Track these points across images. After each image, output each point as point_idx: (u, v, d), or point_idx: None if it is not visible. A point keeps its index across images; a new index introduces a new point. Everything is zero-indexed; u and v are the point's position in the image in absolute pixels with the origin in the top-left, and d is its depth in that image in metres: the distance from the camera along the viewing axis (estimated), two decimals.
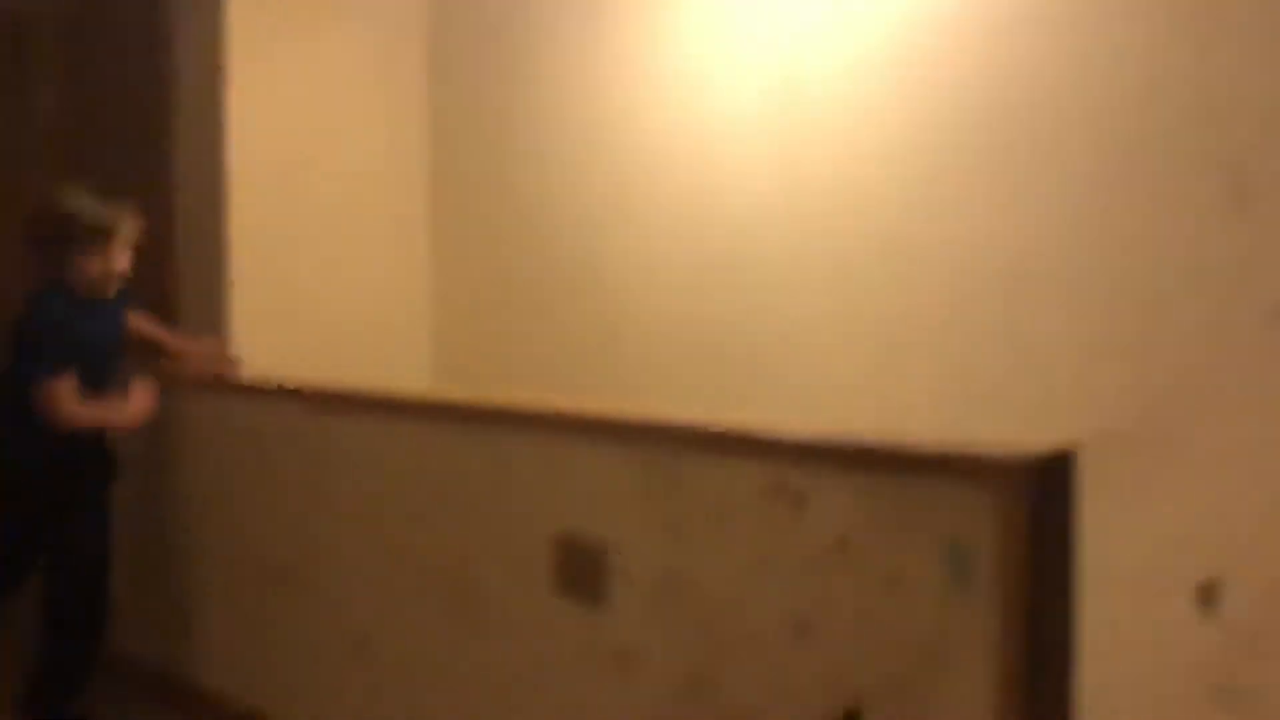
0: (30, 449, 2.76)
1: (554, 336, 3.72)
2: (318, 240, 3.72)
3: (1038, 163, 2.65)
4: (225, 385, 3.09)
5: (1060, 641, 1.59)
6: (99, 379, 2.79)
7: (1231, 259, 2.33)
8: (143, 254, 2.92)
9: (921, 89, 2.77)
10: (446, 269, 4.08)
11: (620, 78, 3.39)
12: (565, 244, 3.67)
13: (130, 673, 3.31)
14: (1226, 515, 2.34)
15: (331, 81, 3.68)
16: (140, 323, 3.06)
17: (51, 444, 2.73)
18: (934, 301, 2.81)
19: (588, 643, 2.09)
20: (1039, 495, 1.53)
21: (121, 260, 2.76)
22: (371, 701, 2.58)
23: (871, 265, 2.94)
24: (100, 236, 2.70)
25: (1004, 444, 1.61)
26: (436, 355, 4.10)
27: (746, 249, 3.21)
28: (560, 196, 3.68)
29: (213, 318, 3.40)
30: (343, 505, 2.63)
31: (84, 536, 2.84)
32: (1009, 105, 2.68)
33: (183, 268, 3.54)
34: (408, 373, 3.93)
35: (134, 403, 2.81)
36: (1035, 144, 2.65)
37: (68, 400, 2.66)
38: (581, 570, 2.08)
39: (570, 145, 3.58)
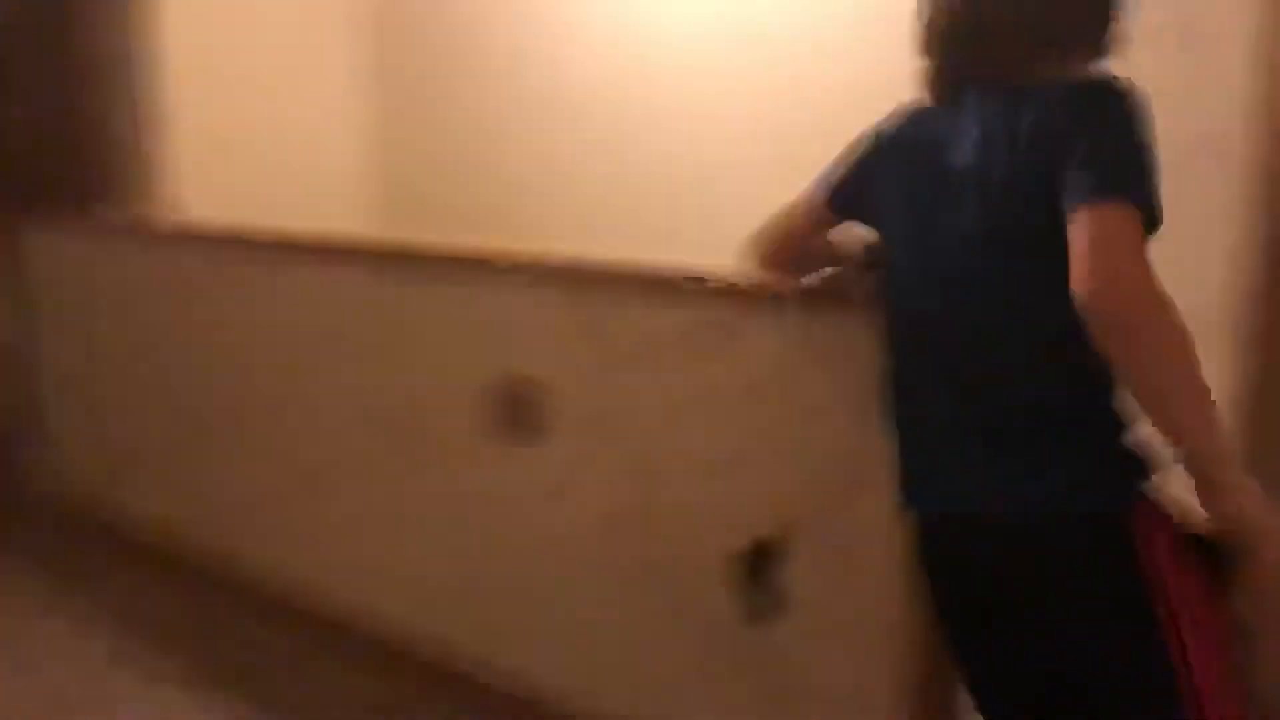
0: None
1: (493, 185, 3.70)
2: (258, 87, 3.66)
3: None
4: (167, 231, 3.05)
5: None
6: None
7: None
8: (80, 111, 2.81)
9: None
10: (390, 119, 4.01)
11: None
12: (504, 93, 3.62)
13: (71, 512, 3.38)
14: None
15: None
16: None
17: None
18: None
19: (523, 477, 2.17)
20: None
21: None
22: (317, 534, 2.66)
23: (791, 110, 2.94)
24: None
25: None
26: (379, 203, 4.07)
27: (673, 96, 3.20)
28: (500, 50, 3.62)
29: (150, 166, 3.34)
30: (286, 350, 2.66)
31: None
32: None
33: (119, 121, 3.43)
34: (349, 220, 3.91)
35: None
36: None
37: None
38: (518, 409, 2.14)
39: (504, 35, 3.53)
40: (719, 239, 3.05)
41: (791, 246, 1.67)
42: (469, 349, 2.24)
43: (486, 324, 2.19)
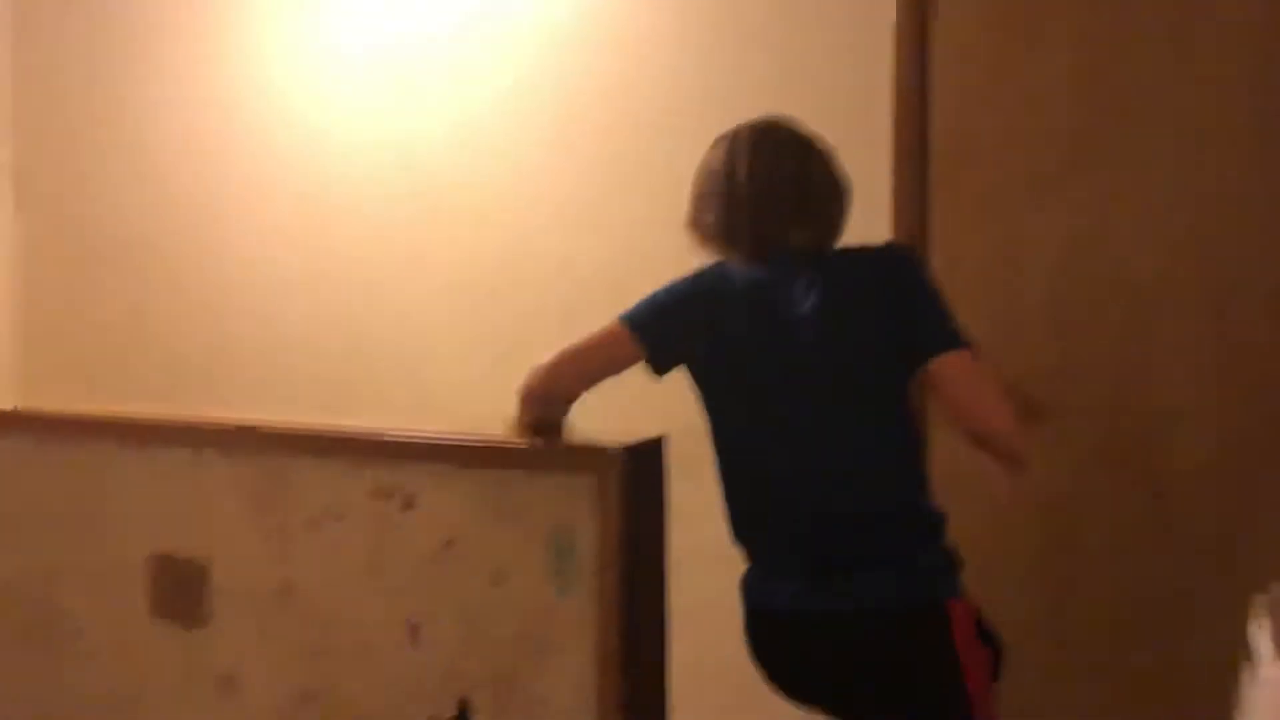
0: None
1: (154, 354, 3.46)
2: None
3: (651, 178, 2.75)
4: None
5: (655, 619, 1.69)
6: None
7: None
8: None
9: (540, 99, 2.85)
10: (35, 283, 3.70)
11: (223, 80, 3.23)
12: (165, 253, 3.43)
13: None
14: None
15: None
16: None
17: None
18: (550, 306, 2.89)
19: (189, 666, 1.97)
20: (631, 480, 1.62)
21: None
22: None
23: (490, 271, 2.98)
24: None
25: (601, 438, 1.69)
26: (22, 377, 3.70)
27: (360, 254, 3.17)
28: (157, 202, 3.44)
29: None
30: None
31: None
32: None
33: None
34: None
35: None
36: (652, 158, 2.75)
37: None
38: (181, 590, 1.96)
39: (170, 149, 3.37)
40: (412, 402, 3.01)
41: (586, 382, 1.71)
42: (122, 524, 2.04)
43: (142, 496, 2.01)
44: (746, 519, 1.69)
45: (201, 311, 3.40)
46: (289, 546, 1.88)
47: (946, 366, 1.57)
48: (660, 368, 1.71)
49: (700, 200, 1.70)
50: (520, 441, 1.70)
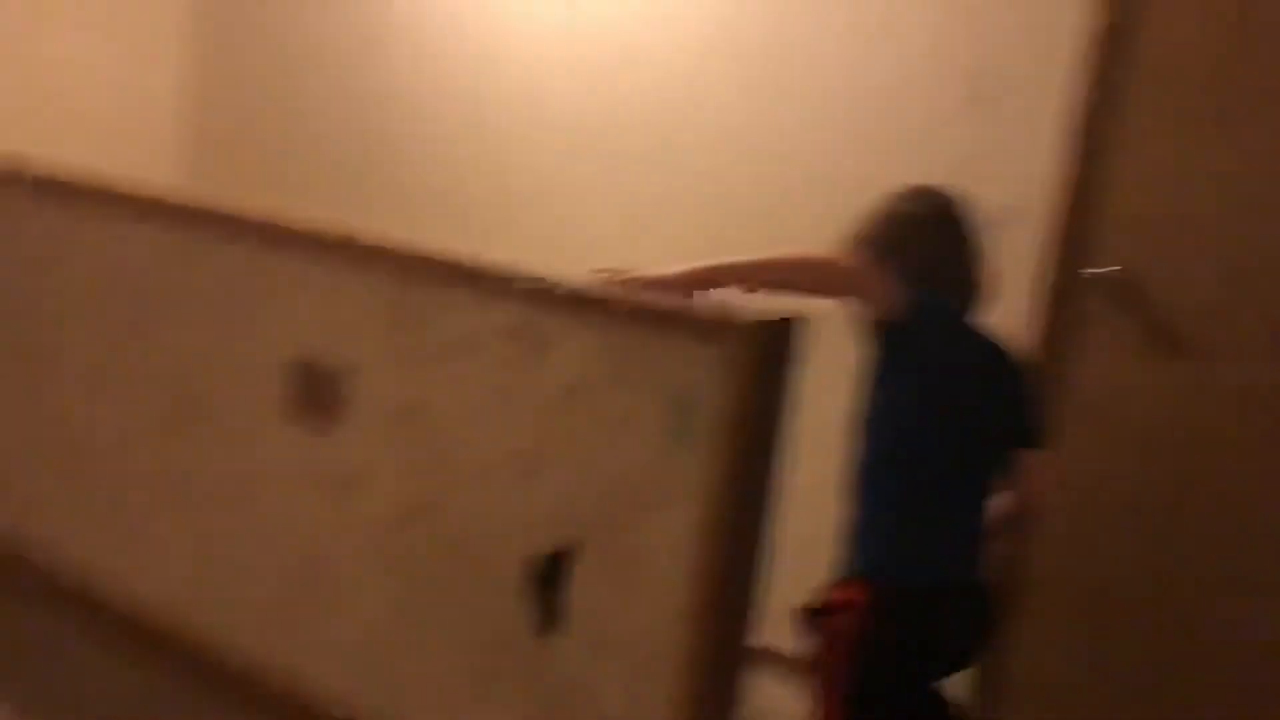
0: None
1: (315, 160, 3.58)
2: (68, 40, 3.46)
3: (784, 53, 2.73)
4: None
5: (762, 494, 1.71)
6: None
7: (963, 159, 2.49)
8: None
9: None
10: (210, 78, 3.83)
11: None
12: (333, 68, 3.51)
13: None
14: None
15: None
16: None
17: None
18: (689, 172, 2.87)
19: (311, 467, 2.09)
20: (760, 354, 1.62)
21: None
22: (85, 507, 2.48)
23: (637, 125, 2.97)
24: None
25: (736, 309, 1.69)
26: (191, 161, 3.87)
27: (516, 97, 3.18)
28: (331, 29, 3.50)
29: None
30: (69, 305, 2.47)
31: None
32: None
33: None
34: (157, 174, 3.72)
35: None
36: (782, 38, 2.72)
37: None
38: (313, 395, 2.06)
39: None
40: (545, 243, 3.06)
41: (783, 289, 1.83)
42: (273, 322, 2.13)
43: (294, 298, 2.10)
44: (914, 507, 1.90)
45: (357, 129, 3.48)
46: (420, 369, 1.94)
47: (1039, 459, 2.01)
48: (895, 333, 1.83)
49: (899, 241, 1.92)
50: (658, 301, 1.71)
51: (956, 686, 2.16)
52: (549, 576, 1.81)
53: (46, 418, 2.54)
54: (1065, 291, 2.42)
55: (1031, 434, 2.01)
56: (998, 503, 2.01)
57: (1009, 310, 2.29)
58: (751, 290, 1.82)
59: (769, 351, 1.65)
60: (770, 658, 2.41)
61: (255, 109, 3.73)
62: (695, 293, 1.78)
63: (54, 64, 3.46)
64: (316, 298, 2.06)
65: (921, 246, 1.93)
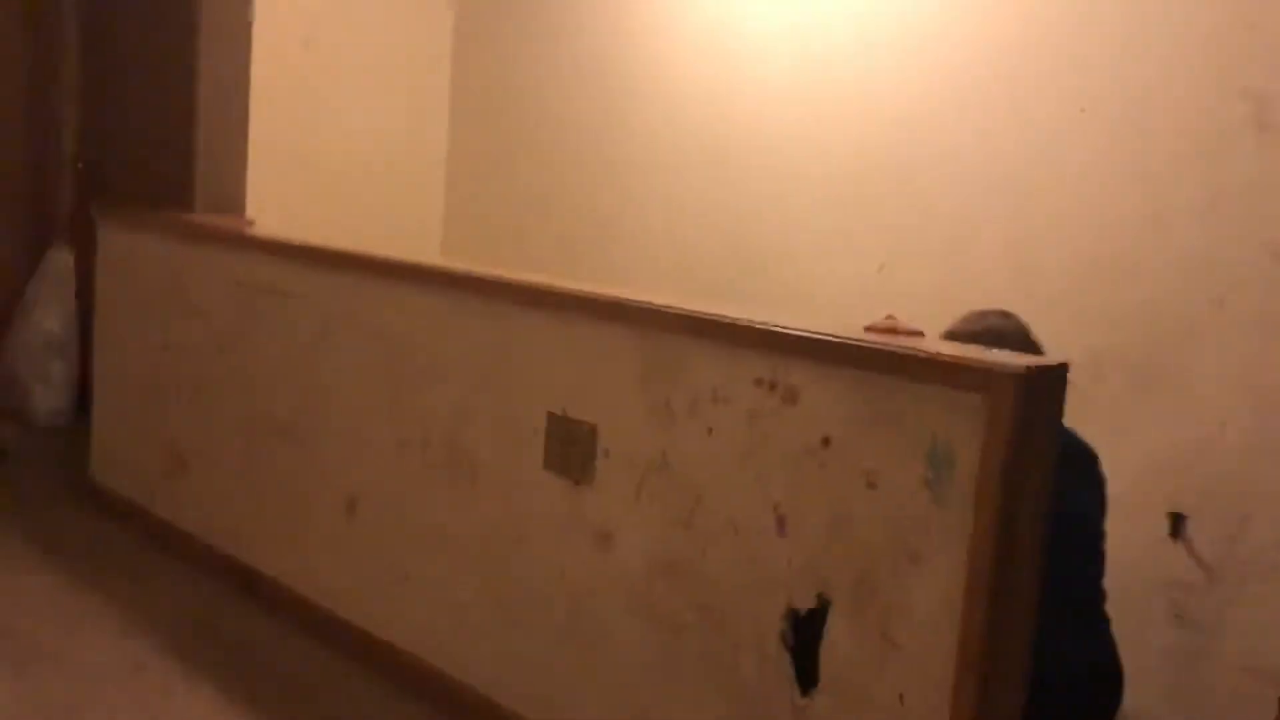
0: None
1: (559, 229, 3.73)
2: (338, 115, 3.79)
3: (1051, 77, 2.63)
4: (234, 237, 3.10)
5: (1031, 549, 1.62)
6: None
7: (1246, 187, 2.32)
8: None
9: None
10: (460, 157, 4.08)
11: None
12: (575, 138, 3.67)
13: (118, 510, 3.39)
14: (1204, 448, 2.38)
15: None
16: None
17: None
18: (938, 212, 2.81)
19: (571, 518, 2.14)
20: (1025, 406, 1.54)
21: None
22: (356, 560, 2.64)
23: (879, 172, 2.93)
24: None
25: (994, 355, 1.63)
26: (445, 239, 4.12)
27: (756, 150, 3.21)
28: (574, 91, 3.67)
29: (231, 186, 3.45)
30: (345, 366, 2.66)
31: None
32: (1027, 19, 2.64)
33: (204, 137, 3.56)
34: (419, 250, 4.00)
35: None
36: (1050, 57, 2.62)
37: None
38: (571, 447, 2.12)
39: (589, 39, 3.57)
40: (791, 296, 3.05)
41: None
42: (523, 380, 2.22)
43: (548, 358, 2.18)
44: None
45: (601, 195, 3.61)
46: (671, 421, 1.97)
47: None
48: None
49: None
50: (911, 348, 1.67)
51: None
52: (805, 633, 1.78)
53: (322, 469, 2.73)
54: None
55: None
56: None
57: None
58: None
59: (1033, 400, 1.57)
60: None
61: (504, 170, 3.93)
62: None
63: (336, 132, 3.76)
64: (570, 354, 2.13)
65: None
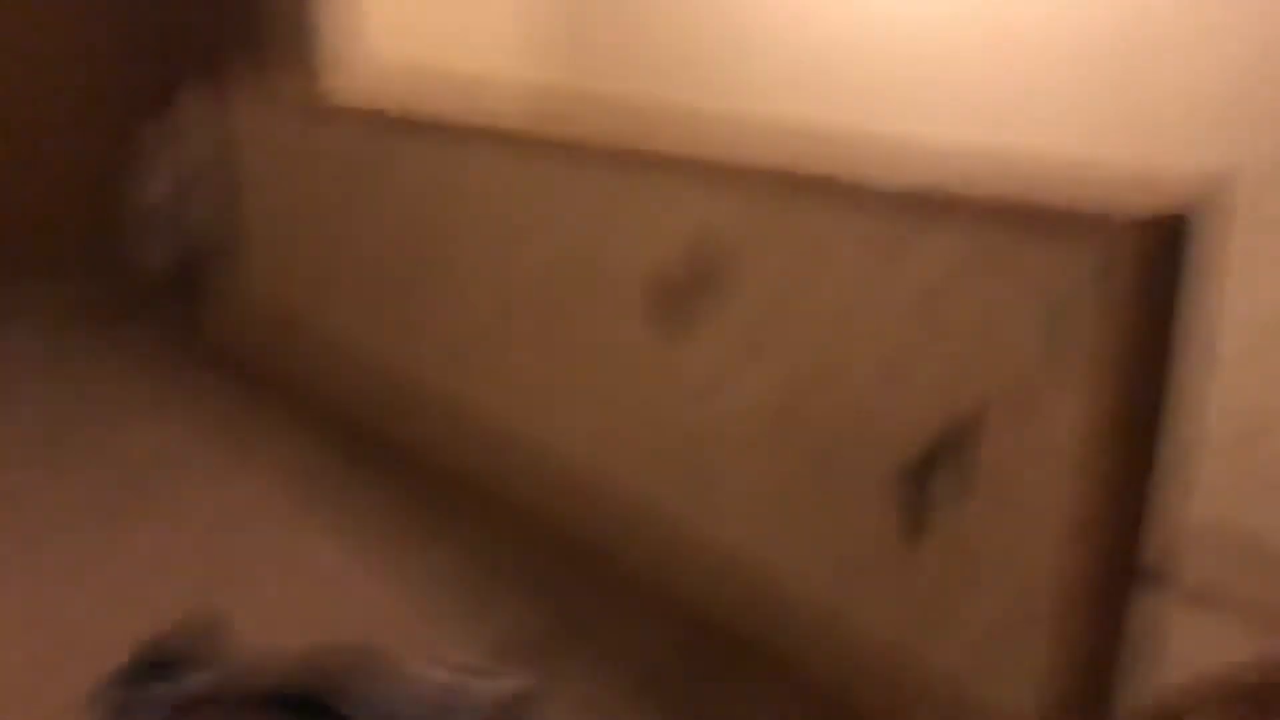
0: None
1: (687, 33, 3.57)
2: None
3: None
4: (355, 111, 3.13)
5: (1155, 404, 1.54)
6: None
7: None
8: None
9: None
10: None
11: None
12: None
13: (250, 363, 3.59)
14: None
15: None
16: None
17: None
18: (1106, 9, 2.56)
19: (677, 371, 2.16)
20: (1145, 260, 1.44)
21: None
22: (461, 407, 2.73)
23: None
24: None
25: (1116, 200, 1.51)
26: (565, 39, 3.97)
27: None
28: None
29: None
30: (447, 226, 2.71)
31: None
32: None
33: None
34: (532, 57, 3.86)
35: None
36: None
37: None
38: (678, 300, 2.11)
39: None
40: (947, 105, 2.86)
41: None
42: (631, 235, 2.21)
43: (651, 211, 2.15)
44: None
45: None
46: (780, 275, 1.93)
47: None
48: None
49: None
50: (1014, 197, 1.56)
51: None
52: (918, 482, 1.76)
53: (435, 323, 2.82)
54: None
55: None
56: None
57: None
58: None
59: (1156, 254, 1.46)
60: (1170, 583, 2.20)
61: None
62: None
63: None
64: (673, 210, 2.10)
65: None
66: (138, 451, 3.00)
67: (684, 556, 2.23)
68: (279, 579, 2.35)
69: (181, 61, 4.11)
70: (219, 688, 1.83)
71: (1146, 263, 1.45)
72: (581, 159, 2.30)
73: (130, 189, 4.37)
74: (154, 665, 1.87)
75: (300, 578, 2.36)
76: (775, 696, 1.97)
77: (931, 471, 1.74)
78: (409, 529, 2.59)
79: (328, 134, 3.14)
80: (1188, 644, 1.90)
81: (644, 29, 3.71)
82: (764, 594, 2.07)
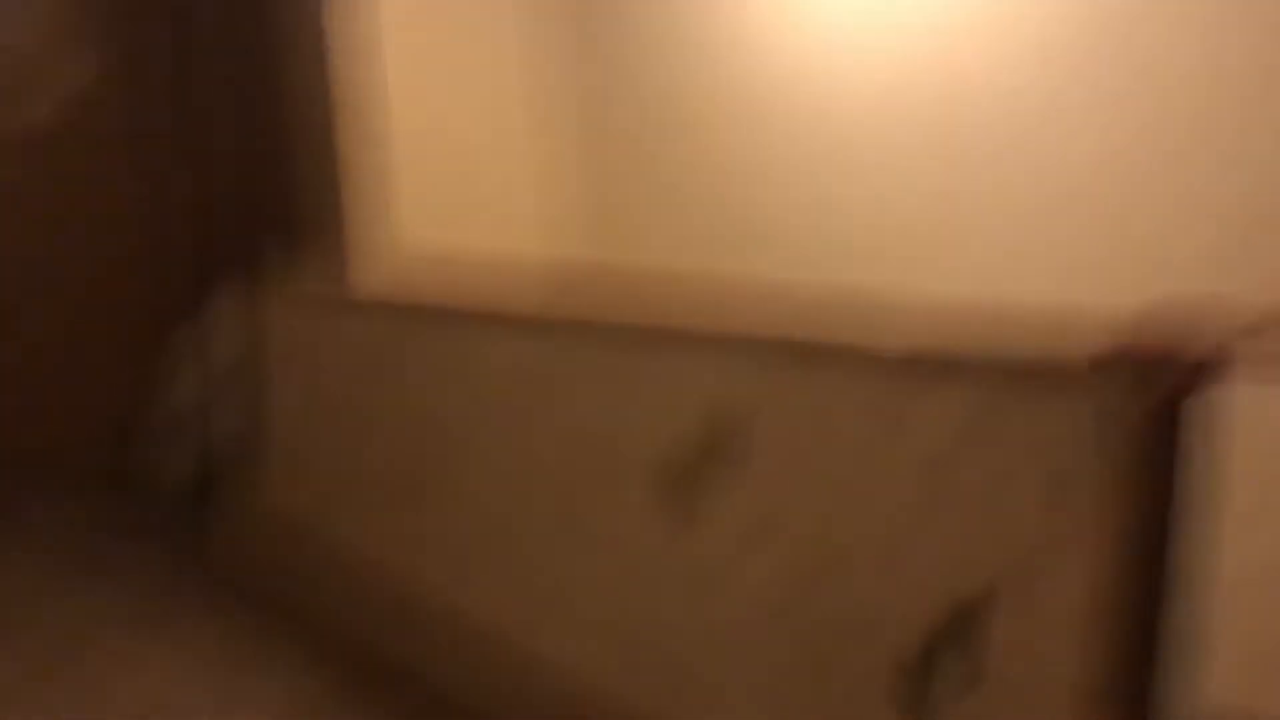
0: None
1: (699, 222, 3.65)
2: (460, 99, 3.73)
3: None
4: (378, 303, 3.16)
5: (1162, 572, 1.45)
6: None
7: None
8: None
9: None
10: (597, 123, 4.01)
11: None
12: (714, 138, 3.58)
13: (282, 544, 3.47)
14: None
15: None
16: None
17: None
18: (1094, 162, 2.62)
19: (684, 559, 2.08)
20: (1153, 410, 1.39)
21: None
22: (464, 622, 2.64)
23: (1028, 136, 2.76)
24: None
25: (1115, 352, 1.47)
26: (587, 213, 4.06)
27: (890, 124, 3.06)
28: (714, 92, 3.57)
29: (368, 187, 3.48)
30: (462, 417, 2.69)
31: None
32: None
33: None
34: (557, 234, 3.95)
35: None
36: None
37: None
38: (687, 479, 2.06)
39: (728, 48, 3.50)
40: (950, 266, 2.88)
41: None
42: (635, 419, 2.18)
43: (654, 395, 2.14)
44: None
45: (737, 188, 3.50)
46: (780, 455, 1.90)
47: None
48: None
49: None
50: (1013, 357, 1.53)
51: None
52: (920, 679, 1.65)
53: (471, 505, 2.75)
54: None
55: None
56: None
57: None
58: None
59: (1164, 404, 1.41)
60: None
61: (645, 158, 3.88)
62: None
63: (455, 139, 3.72)
64: (675, 394, 2.08)
65: None
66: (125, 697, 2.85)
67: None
68: None
69: (212, 268, 4.17)
70: None
71: (1150, 417, 1.40)
72: (594, 338, 2.30)
73: (155, 397, 4.38)
74: None
75: None
76: None
77: (933, 668, 1.66)
78: None
79: (349, 328, 3.16)
80: None
81: (666, 205, 3.80)
82: None
